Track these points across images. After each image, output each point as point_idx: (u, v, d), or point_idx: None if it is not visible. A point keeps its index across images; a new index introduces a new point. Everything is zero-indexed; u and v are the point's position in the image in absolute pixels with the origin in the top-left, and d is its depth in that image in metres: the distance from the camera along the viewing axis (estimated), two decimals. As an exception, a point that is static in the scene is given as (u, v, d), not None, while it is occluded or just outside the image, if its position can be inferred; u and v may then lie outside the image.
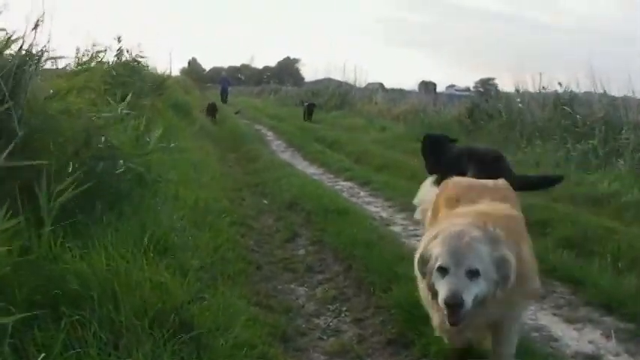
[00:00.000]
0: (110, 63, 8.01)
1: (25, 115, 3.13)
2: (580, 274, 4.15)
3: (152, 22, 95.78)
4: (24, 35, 3.35)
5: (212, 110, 17.29)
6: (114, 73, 7.20)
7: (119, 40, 8.67)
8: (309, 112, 19.30)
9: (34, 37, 3.39)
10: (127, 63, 8.99)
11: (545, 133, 9.96)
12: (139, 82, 8.59)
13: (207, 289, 3.21)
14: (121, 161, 3.84)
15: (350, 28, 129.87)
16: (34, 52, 3.44)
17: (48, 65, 3.99)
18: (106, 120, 3.98)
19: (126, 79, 7.63)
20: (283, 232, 5.55)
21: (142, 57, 9.93)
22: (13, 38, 3.36)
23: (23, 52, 3.33)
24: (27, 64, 3.27)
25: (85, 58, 6.29)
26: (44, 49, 3.57)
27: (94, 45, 6.86)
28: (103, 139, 3.76)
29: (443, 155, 5.46)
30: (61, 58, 3.97)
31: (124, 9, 74.12)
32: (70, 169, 3.23)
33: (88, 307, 2.43)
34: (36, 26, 3.34)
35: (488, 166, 4.81)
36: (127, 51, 9.15)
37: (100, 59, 6.81)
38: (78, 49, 6.51)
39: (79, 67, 5.70)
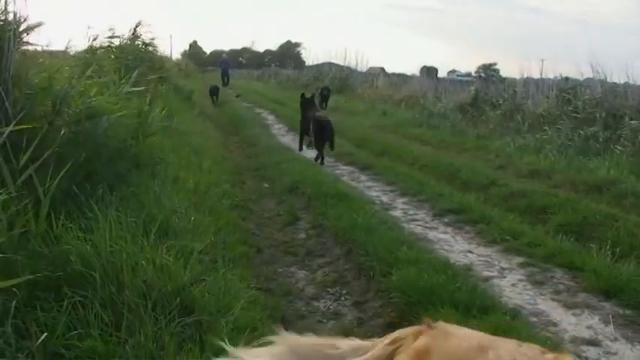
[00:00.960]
0: (123, 42, 8.14)
1: (13, 93, 3.03)
2: (579, 260, 4.17)
3: (153, 4, 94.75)
4: None
5: (215, 92, 18.58)
6: (129, 58, 7.25)
7: (137, 26, 8.86)
8: (324, 98, 16.21)
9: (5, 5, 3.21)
10: (139, 47, 9.14)
11: (546, 119, 9.94)
12: (146, 67, 8.62)
13: (209, 271, 3.21)
14: (105, 118, 3.73)
15: (352, 12, 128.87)
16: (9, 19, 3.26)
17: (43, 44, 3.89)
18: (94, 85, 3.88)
19: (137, 63, 7.65)
20: (284, 215, 5.56)
21: (155, 45, 10.22)
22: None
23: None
24: (5, 34, 3.09)
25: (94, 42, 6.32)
26: (21, 18, 3.39)
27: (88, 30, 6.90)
28: (83, 99, 3.63)
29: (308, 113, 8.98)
30: (39, 25, 3.72)
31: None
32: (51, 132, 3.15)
33: (91, 288, 2.44)
34: None
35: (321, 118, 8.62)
36: (140, 37, 9.38)
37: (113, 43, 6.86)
38: (91, 35, 6.55)
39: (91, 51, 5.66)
